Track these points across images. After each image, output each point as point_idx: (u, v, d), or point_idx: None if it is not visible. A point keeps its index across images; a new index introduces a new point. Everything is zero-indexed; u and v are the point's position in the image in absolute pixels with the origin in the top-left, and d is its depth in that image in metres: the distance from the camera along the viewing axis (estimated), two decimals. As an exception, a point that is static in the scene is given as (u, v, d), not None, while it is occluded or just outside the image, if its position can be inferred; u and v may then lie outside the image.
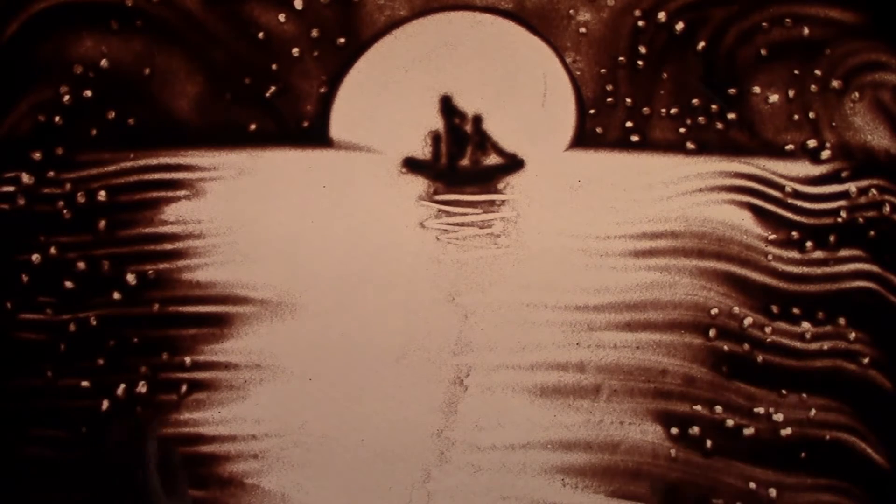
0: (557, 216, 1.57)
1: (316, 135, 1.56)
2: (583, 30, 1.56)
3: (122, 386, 1.55)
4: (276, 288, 1.55)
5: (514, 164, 1.57)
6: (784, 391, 1.57)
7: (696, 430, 1.55)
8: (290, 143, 1.56)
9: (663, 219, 1.57)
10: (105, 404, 1.55)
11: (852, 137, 1.58)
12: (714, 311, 1.57)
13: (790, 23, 1.57)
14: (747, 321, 1.57)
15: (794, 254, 1.58)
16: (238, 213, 1.55)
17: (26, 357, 1.54)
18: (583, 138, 1.57)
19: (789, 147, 1.58)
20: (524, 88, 1.56)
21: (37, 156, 1.55)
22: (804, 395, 1.57)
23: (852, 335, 1.57)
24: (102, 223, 1.55)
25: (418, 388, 1.55)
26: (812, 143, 1.58)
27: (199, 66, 1.55)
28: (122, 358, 1.55)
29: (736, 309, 1.57)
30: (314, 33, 1.56)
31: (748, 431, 1.55)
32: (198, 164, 1.55)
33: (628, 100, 1.57)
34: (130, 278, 1.55)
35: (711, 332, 1.57)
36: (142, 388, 1.55)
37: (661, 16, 1.57)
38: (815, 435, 1.57)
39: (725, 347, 1.57)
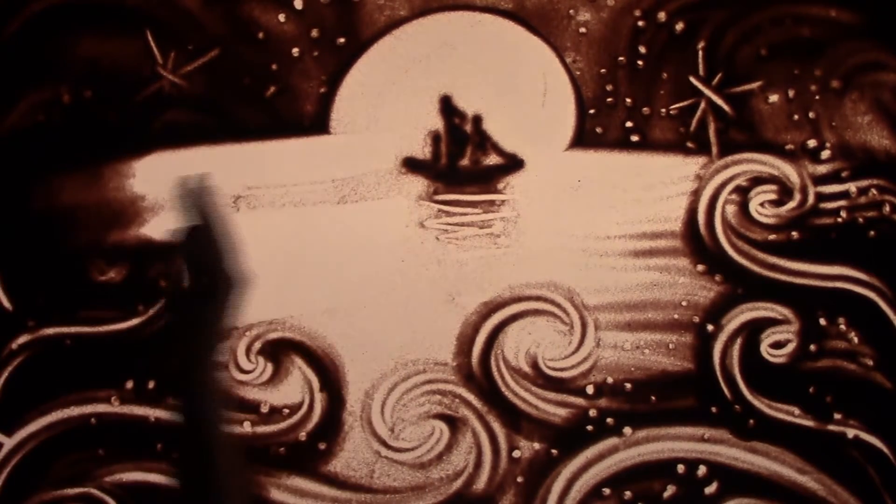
0: (557, 216, 1.56)
1: (316, 135, 1.56)
2: (583, 30, 1.56)
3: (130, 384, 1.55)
4: (276, 288, 1.55)
5: (514, 164, 1.56)
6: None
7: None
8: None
9: (663, 219, 1.57)
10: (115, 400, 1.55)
11: (852, 137, 1.58)
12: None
13: (790, 23, 1.57)
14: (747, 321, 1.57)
15: (794, 253, 1.57)
16: (237, 211, 1.55)
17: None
18: (583, 138, 1.57)
19: (789, 147, 1.58)
20: (524, 88, 1.56)
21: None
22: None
23: (852, 335, 1.57)
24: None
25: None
26: (812, 143, 1.58)
27: (199, 66, 1.55)
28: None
29: (736, 309, 1.57)
30: (314, 33, 1.56)
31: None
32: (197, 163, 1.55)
33: (628, 100, 1.57)
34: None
35: (710, 331, 1.57)
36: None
37: (661, 16, 1.56)
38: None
39: (725, 347, 1.57)
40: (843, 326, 1.57)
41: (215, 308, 0.76)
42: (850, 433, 1.56)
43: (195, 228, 0.76)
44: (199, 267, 0.76)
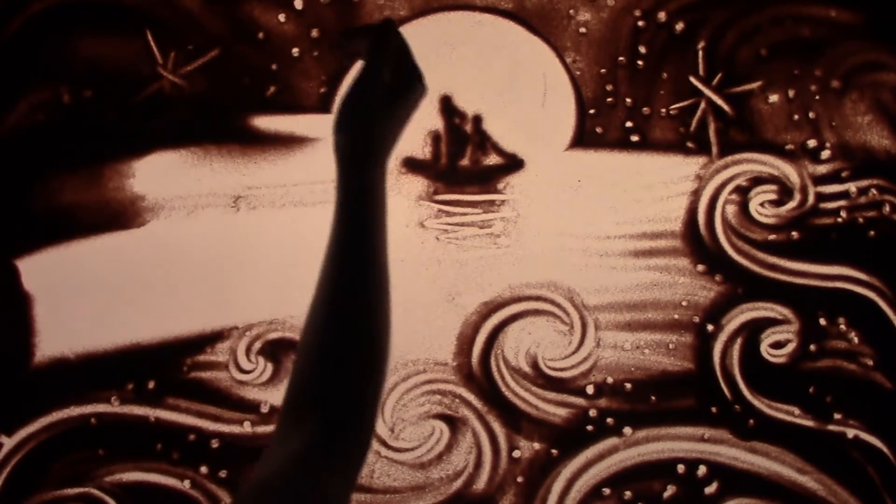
0: (557, 216, 1.56)
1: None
2: (583, 30, 1.56)
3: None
4: (276, 288, 1.55)
5: (514, 164, 1.57)
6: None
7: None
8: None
9: (663, 219, 1.57)
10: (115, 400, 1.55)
11: (852, 137, 1.58)
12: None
13: (790, 23, 1.57)
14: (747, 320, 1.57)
15: (794, 253, 1.57)
16: (237, 211, 1.55)
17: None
18: (583, 138, 1.57)
19: (789, 147, 1.58)
20: (524, 88, 1.56)
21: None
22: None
23: (852, 335, 1.57)
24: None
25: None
26: (812, 143, 1.58)
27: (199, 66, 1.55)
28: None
29: (736, 309, 1.57)
30: (314, 33, 1.56)
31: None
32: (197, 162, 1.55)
33: (628, 100, 1.57)
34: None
35: (710, 331, 1.57)
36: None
37: (661, 16, 1.57)
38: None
39: (725, 347, 1.57)
40: (843, 326, 1.57)
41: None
42: (850, 433, 1.56)
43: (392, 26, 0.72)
44: (399, 61, 0.72)
